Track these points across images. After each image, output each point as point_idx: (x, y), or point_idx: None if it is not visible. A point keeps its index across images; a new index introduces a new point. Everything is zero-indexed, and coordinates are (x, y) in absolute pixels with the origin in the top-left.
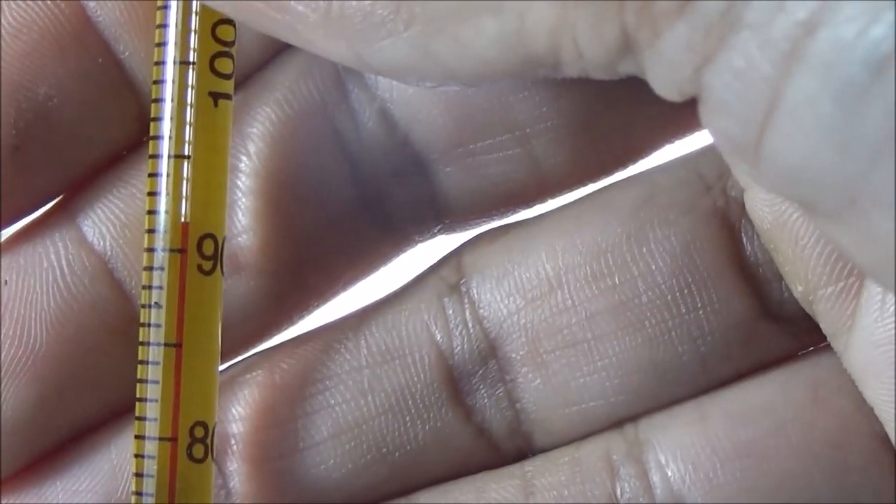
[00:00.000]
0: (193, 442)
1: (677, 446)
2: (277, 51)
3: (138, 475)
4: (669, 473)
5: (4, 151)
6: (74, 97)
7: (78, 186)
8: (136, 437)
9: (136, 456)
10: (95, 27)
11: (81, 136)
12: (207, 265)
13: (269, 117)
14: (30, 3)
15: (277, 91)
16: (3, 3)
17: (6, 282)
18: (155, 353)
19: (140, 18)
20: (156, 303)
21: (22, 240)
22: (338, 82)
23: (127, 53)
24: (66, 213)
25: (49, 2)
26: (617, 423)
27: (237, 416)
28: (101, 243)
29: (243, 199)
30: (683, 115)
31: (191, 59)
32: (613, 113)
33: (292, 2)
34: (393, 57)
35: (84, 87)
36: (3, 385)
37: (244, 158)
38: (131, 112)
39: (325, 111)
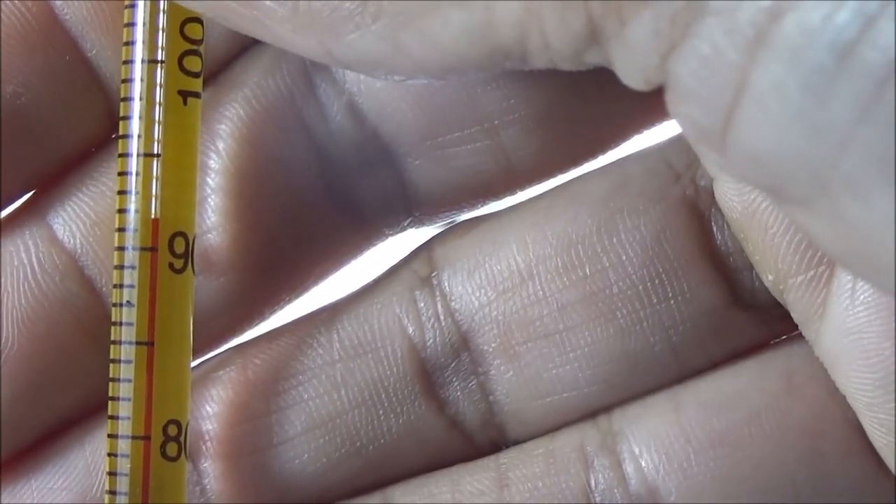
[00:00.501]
0: (167, 440)
1: (651, 436)
2: (245, 47)
3: (111, 474)
4: (643, 464)
5: None
6: (42, 95)
7: (47, 184)
8: (109, 435)
9: (110, 454)
10: (62, 25)
11: (50, 134)
12: (179, 263)
13: (237, 114)
14: None
15: (246, 88)
16: None
17: None
18: (127, 352)
19: (107, 16)
20: (127, 301)
21: None
22: (306, 77)
23: (94, 52)
24: (35, 211)
25: (17, 1)
26: (590, 414)
27: (210, 412)
28: (72, 241)
29: (213, 197)
30: (652, 106)
31: (159, 58)
32: (582, 104)
33: None
34: (361, 51)
35: (51, 86)
36: None
37: (213, 156)
38: (99, 110)
39: (294, 106)
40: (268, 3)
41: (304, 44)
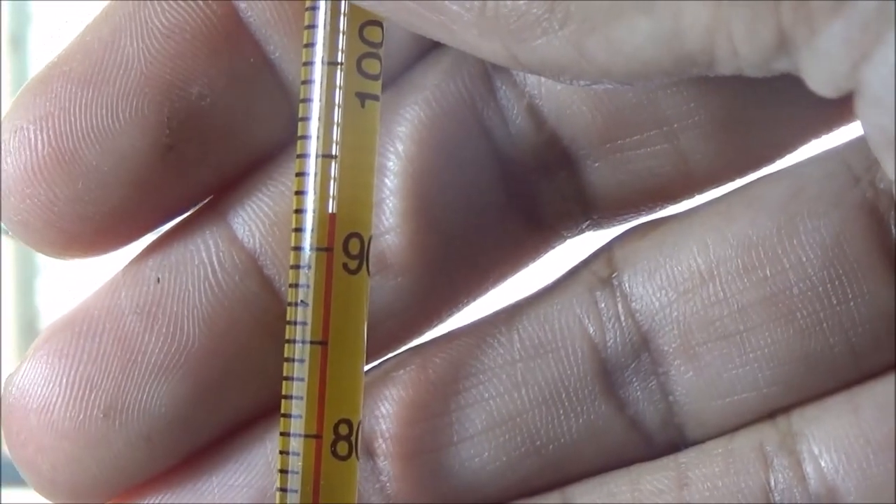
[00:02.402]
0: (338, 439)
1: (830, 437)
2: (425, 50)
3: (283, 471)
4: (823, 464)
5: (158, 151)
6: (226, 97)
7: (229, 185)
8: (282, 433)
9: (282, 452)
10: (247, 28)
11: (233, 136)
12: (353, 264)
13: (417, 116)
14: (182, 3)
15: (426, 90)
16: (156, 4)
17: (159, 279)
18: (301, 351)
19: (290, 18)
20: (302, 301)
21: (174, 238)
22: (486, 80)
23: (277, 54)
24: (216, 211)
25: (201, 2)
26: (769, 415)
27: (390, 411)
28: (251, 241)
29: (391, 198)
30: (831, 110)
31: (339, 60)
32: (761, 108)
33: (446, 1)
34: (547, 55)
35: (236, 87)
36: (157, 381)
37: (392, 157)
38: (282, 111)
39: (474, 109)
40: (453, 7)
41: (488, 48)
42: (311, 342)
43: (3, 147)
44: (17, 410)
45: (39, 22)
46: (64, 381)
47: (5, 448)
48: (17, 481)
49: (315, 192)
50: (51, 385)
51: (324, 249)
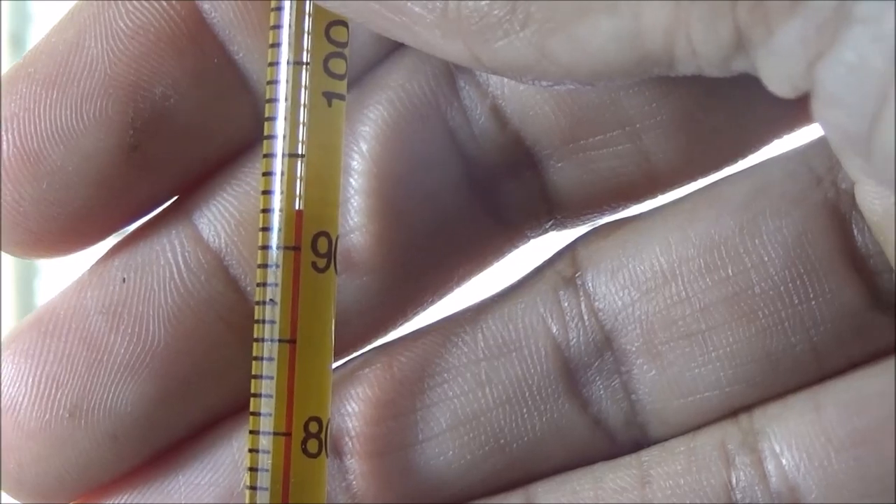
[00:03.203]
0: (307, 437)
1: (792, 435)
2: (390, 50)
3: (252, 469)
4: (784, 462)
5: (123, 151)
6: (190, 97)
7: (193, 185)
8: (251, 432)
9: (251, 450)
10: (210, 28)
11: (197, 136)
12: (321, 263)
13: (381, 116)
14: (145, 4)
15: (390, 90)
16: (120, 5)
17: (124, 279)
18: (269, 349)
19: (254, 19)
20: (270, 300)
21: (139, 238)
22: (450, 80)
23: (241, 54)
24: (181, 211)
25: (164, 3)
26: (731, 413)
27: (356, 410)
28: (217, 241)
29: (356, 198)
30: (793, 110)
31: (304, 60)
32: (723, 108)
33: (409, 3)
34: (510, 56)
35: (200, 88)
36: (122, 381)
37: (357, 157)
38: (246, 111)
39: (438, 109)
40: (416, 8)
41: (451, 49)
42: (280, 340)
43: None
44: None
45: (39, 22)
46: (30, 380)
47: None
48: None
49: (282, 192)
50: (17, 384)
51: (291, 248)
